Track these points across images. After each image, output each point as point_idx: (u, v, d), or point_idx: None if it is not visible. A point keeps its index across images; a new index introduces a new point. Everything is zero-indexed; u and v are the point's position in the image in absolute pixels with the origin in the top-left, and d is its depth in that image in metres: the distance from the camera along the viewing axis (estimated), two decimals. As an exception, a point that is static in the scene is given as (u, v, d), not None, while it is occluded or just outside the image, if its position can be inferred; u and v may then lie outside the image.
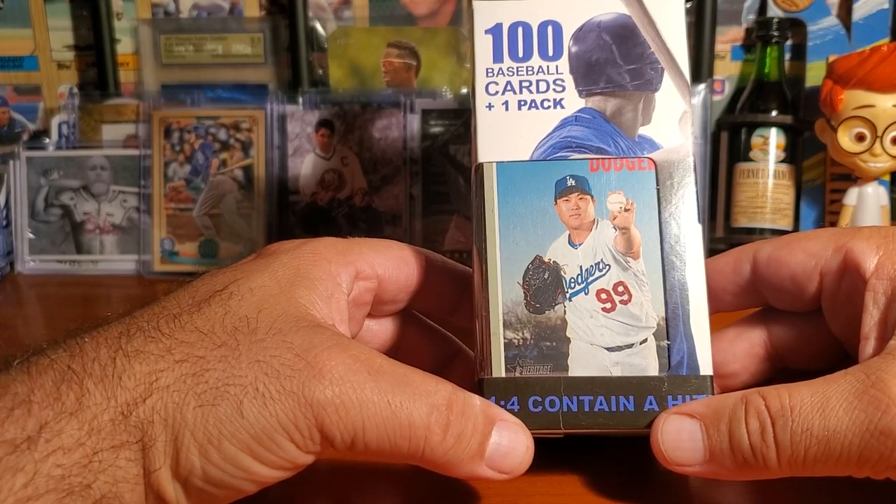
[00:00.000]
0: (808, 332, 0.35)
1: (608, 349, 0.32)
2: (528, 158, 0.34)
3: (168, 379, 0.26)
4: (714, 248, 0.71)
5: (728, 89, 0.78)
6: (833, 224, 0.70)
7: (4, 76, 0.83)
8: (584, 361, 0.32)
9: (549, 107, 0.35)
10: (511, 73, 0.35)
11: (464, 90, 0.73)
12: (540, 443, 0.33)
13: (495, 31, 0.36)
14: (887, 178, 0.67)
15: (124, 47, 0.81)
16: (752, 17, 0.76)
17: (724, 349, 0.36)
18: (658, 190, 0.33)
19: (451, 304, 0.37)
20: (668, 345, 0.32)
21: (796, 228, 0.72)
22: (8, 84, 0.83)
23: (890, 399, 0.26)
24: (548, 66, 0.35)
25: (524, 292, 0.33)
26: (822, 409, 0.27)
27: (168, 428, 0.26)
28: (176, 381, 0.26)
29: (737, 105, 0.74)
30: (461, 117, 0.71)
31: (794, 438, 0.27)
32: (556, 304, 0.33)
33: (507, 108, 0.35)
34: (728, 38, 0.77)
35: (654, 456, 0.30)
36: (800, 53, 0.75)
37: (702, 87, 0.70)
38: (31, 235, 0.76)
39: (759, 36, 0.73)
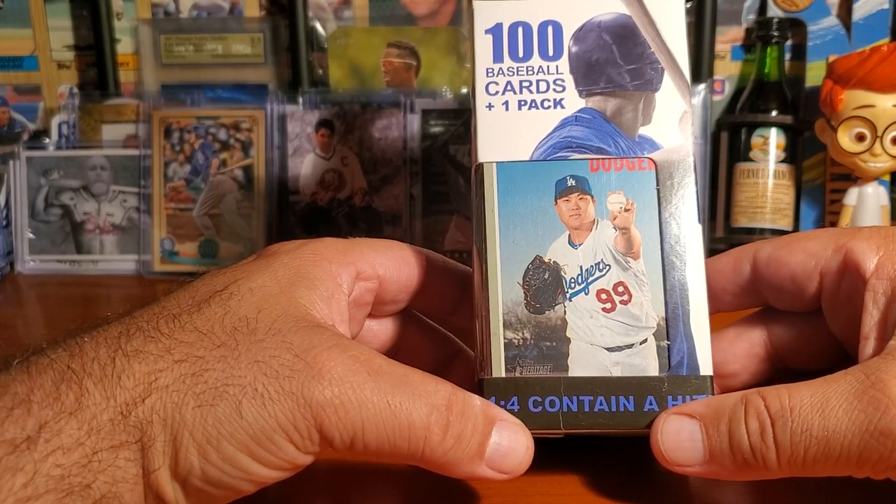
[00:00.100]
0: (808, 332, 0.35)
1: (608, 349, 0.32)
2: (528, 158, 0.34)
3: (167, 379, 0.26)
4: (714, 248, 0.71)
5: (728, 89, 0.78)
6: (833, 224, 0.70)
7: (4, 76, 0.83)
8: (584, 361, 0.32)
9: (549, 107, 0.35)
10: (511, 73, 0.35)
11: (464, 90, 0.73)
12: (540, 443, 0.33)
13: (495, 31, 0.36)
14: (887, 178, 0.67)
15: (124, 47, 0.81)
16: (752, 17, 0.76)
17: (724, 349, 0.36)
18: (658, 190, 0.33)
19: (452, 305, 0.37)
20: (668, 345, 0.32)
21: (796, 228, 0.72)
22: (8, 84, 0.83)
23: (889, 399, 0.26)
24: (548, 66, 0.35)
25: (524, 292, 0.33)
26: (821, 410, 0.27)
27: (167, 428, 0.26)
28: (175, 381, 0.26)
29: (737, 105, 0.74)
30: (461, 117, 0.71)
31: (793, 439, 0.27)
32: (556, 305, 0.33)
33: (507, 108, 0.35)
34: (728, 38, 0.77)
35: (654, 456, 0.30)
36: (800, 53, 0.75)
37: (702, 87, 0.70)
38: (31, 235, 0.76)
39: (759, 36, 0.73)
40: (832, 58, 0.71)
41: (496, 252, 0.33)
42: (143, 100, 0.76)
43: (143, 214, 0.74)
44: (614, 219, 0.33)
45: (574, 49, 0.35)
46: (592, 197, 0.33)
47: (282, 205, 0.73)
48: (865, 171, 0.65)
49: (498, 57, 0.35)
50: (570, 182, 0.34)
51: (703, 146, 0.70)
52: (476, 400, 0.30)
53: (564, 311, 0.32)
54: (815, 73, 0.73)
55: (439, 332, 0.39)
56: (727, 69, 0.77)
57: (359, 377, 0.27)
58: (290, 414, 0.26)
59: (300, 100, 0.73)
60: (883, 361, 0.28)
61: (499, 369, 0.32)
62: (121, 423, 0.25)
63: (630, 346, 0.32)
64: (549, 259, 0.33)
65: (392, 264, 0.35)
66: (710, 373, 0.32)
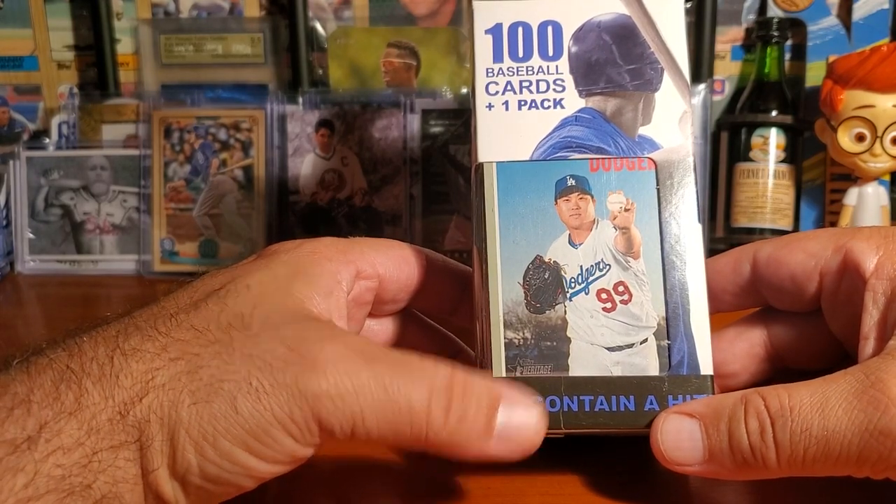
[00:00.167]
0: (808, 332, 0.35)
1: (608, 349, 0.32)
2: (528, 158, 0.34)
3: (163, 377, 0.26)
4: (714, 248, 0.71)
5: (728, 89, 0.78)
6: (833, 224, 0.70)
7: (4, 76, 0.83)
8: (585, 361, 0.32)
9: (549, 107, 0.35)
10: (511, 73, 0.35)
11: (464, 90, 0.73)
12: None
13: (495, 31, 0.36)
14: (887, 178, 0.67)
15: (124, 47, 0.81)
16: (752, 17, 0.76)
17: (724, 349, 0.36)
18: (658, 190, 0.33)
19: (452, 304, 0.38)
20: (668, 344, 0.32)
21: (796, 228, 0.72)
22: (8, 84, 0.83)
23: (889, 399, 0.26)
24: (548, 66, 0.35)
25: (524, 292, 0.33)
26: (821, 409, 0.27)
27: (164, 427, 0.26)
28: (171, 379, 0.26)
29: (737, 105, 0.74)
30: (461, 117, 0.71)
31: (793, 438, 0.27)
32: (556, 304, 0.33)
33: (507, 108, 0.35)
34: (728, 38, 0.77)
35: (654, 456, 0.30)
36: (800, 53, 0.75)
37: (702, 87, 0.70)
38: (31, 235, 0.76)
39: (759, 36, 0.73)
40: (832, 58, 0.71)
41: (496, 252, 0.33)
42: (143, 100, 0.76)
43: (143, 214, 0.74)
44: (614, 218, 0.33)
45: (574, 49, 0.35)
46: (592, 197, 0.33)
47: (282, 205, 0.73)
48: (865, 171, 0.65)
49: (498, 57, 0.35)
50: (570, 182, 0.34)
51: (703, 146, 0.70)
52: (479, 378, 0.29)
53: (565, 311, 0.33)
54: (815, 73, 0.73)
55: (439, 331, 0.39)
56: (727, 69, 0.78)
57: (354, 364, 0.27)
58: (287, 406, 0.26)
59: (300, 100, 0.73)
60: (882, 361, 0.28)
61: (499, 369, 0.32)
62: (119, 423, 0.25)
63: (630, 345, 0.32)
64: (550, 259, 0.33)
65: (392, 263, 0.35)
66: (711, 372, 0.32)
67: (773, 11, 0.74)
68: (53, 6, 0.81)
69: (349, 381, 0.27)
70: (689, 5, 0.74)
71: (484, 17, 0.36)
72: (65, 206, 0.76)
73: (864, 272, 0.31)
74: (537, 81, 0.35)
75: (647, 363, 0.32)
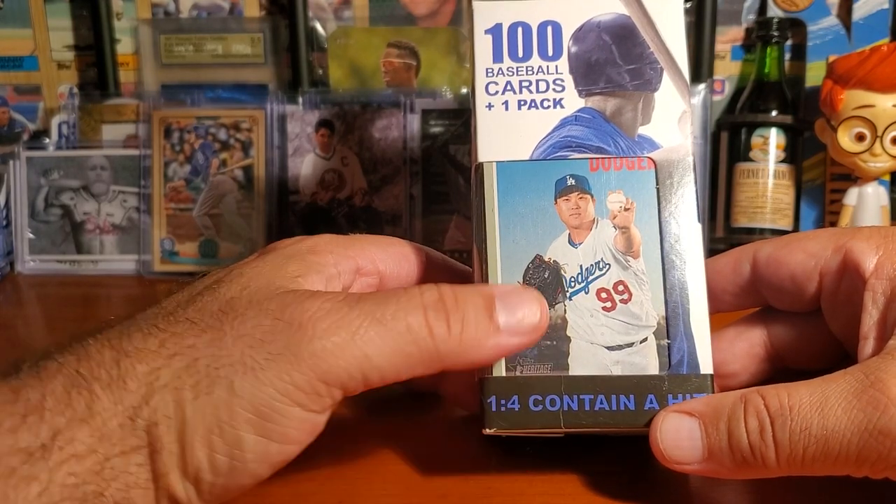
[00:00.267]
0: (808, 332, 0.35)
1: (608, 348, 0.32)
2: (527, 158, 0.34)
3: (166, 376, 0.26)
4: (714, 248, 0.71)
5: (728, 89, 0.78)
6: (833, 224, 0.70)
7: (4, 76, 0.83)
8: (585, 360, 0.32)
9: (548, 106, 0.35)
10: (511, 73, 0.35)
11: (464, 90, 0.73)
12: (540, 442, 0.33)
13: (495, 31, 0.36)
14: (887, 178, 0.67)
15: (124, 47, 0.81)
16: (752, 17, 0.76)
17: (724, 349, 0.36)
18: (658, 189, 0.33)
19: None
20: (668, 344, 0.32)
21: (796, 228, 0.72)
22: (8, 84, 0.83)
23: (889, 399, 0.26)
24: (547, 66, 0.35)
25: (524, 292, 0.33)
26: (820, 409, 0.27)
27: (172, 428, 0.26)
28: (172, 377, 0.26)
29: (737, 105, 0.74)
30: (461, 117, 0.71)
31: (792, 437, 0.27)
32: (556, 304, 0.33)
33: (507, 108, 0.35)
34: (728, 38, 0.77)
35: (653, 455, 0.30)
36: (800, 53, 0.75)
37: (702, 87, 0.70)
38: (31, 235, 0.76)
39: (759, 36, 0.73)
40: (832, 58, 0.71)
41: (496, 251, 0.33)
42: (143, 100, 0.76)
43: (143, 214, 0.75)
44: (614, 218, 0.33)
45: (573, 49, 0.35)
46: (592, 196, 0.34)
47: (282, 205, 0.73)
48: (865, 171, 0.65)
49: (498, 57, 0.35)
50: (570, 181, 0.34)
51: (703, 146, 0.70)
52: (465, 286, 0.29)
53: (564, 310, 0.33)
54: (815, 73, 0.73)
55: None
56: (727, 69, 0.78)
57: (340, 313, 0.27)
58: (287, 375, 0.26)
59: (300, 100, 0.73)
60: (882, 361, 0.28)
61: (499, 368, 0.32)
62: (129, 428, 0.25)
63: (630, 344, 0.32)
64: (550, 258, 0.33)
65: (392, 260, 0.35)
66: (711, 371, 0.32)
67: (773, 11, 0.74)
68: (53, 6, 0.81)
69: (343, 329, 0.27)
70: (688, 5, 0.74)
71: (484, 17, 0.36)
72: (65, 206, 0.76)
73: (863, 272, 0.31)
74: (537, 81, 0.35)
75: (647, 362, 0.32)
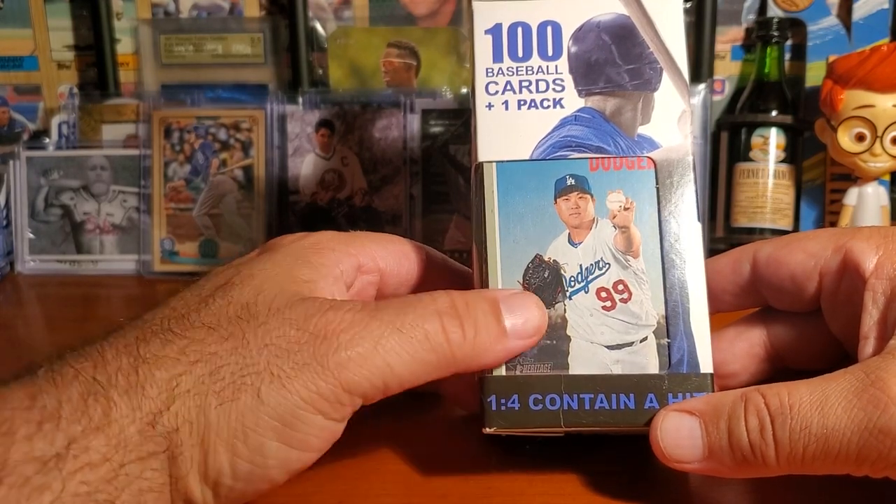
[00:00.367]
0: (808, 332, 0.35)
1: (608, 347, 0.32)
2: (527, 158, 0.34)
3: (188, 383, 0.26)
4: (714, 248, 0.71)
5: (728, 89, 0.78)
6: (833, 224, 0.70)
7: (4, 76, 0.83)
8: (585, 359, 0.32)
9: (548, 106, 0.35)
10: (511, 73, 0.35)
11: (464, 90, 0.73)
12: (540, 442, 0.33)
13: (495, 31, 0.36)
14: (887, 178, 0.67)
15: (124, 47, 0.81)
16: (752, 17, 0.76)
17: (724, 349, 0.36)
18: (657, 189, 0.33)
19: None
20: (668, 343, 0.32)
21: (796, 228, 0.72)
22: (8, 84, 0.83)
23: (889, 398, 0.26)
24: (547, 66, 0.35)
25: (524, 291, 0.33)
26: (820, 408, 0.27)
27: (194, 433, 0.26)
28: (195, 383, 0.26)
29: (737, 105, 0.74)
30: (461, 117, 0.71)
31: (792, 436, 0.27)
32: (556, 303, 0.33)
33: (506, 108, 0.35)
34: (728, 38, 0.77)
35: (653, 454, 0.30)
36: (800, 53, 0.75)
37: (702, 87, 0.70)
38: (31, 235, 0.76)
39: (759, 36, 0.73)
40: (832, 58, 0.71)
41: (496, 251, 0.33)
42: (143, 100, 0.76)
43: (143, 214, 0.75)
44: (614, 217, 0.33)
45: (573, 49, 0.35)
46: (592, 196, 0.34)
47: (282, 205, 0.73)
48: (865, 171, 0.65)
49: (497, 57, 0.36)
50: (570, 181, 0.34)
51: (703, 146, 0.70)
52: (472, 291, 0.31)
53: (564, 310, 0.33)
54: (815, 73, 0.73)
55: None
56: (727, 69, 0.78)
57: (362, 324, 0.28)
58: (312, 384, 0.27)
59: (300, 100, 0.73)
60: (882, 360, 0.28)
61: (499, 367, 0.32)
62: (149, 434, 0.25)
63: (630, 343, 0.32)
64: (549, 258, 0.33)
65: (393, 258, 0.35)
66: (711, 370, 0.32)
67: (773, 11, 0.74)
68: (53, 6, 0.81)
69: (365, 339, 0.28)
70: (688, 5, 0.74)
71: (484, 17, 0.36)
72: (65, 206, 0.76)
73: (863, 272, 0.31)
74: (537, 81, 0.35)
75: (647, 361, 0.32)
